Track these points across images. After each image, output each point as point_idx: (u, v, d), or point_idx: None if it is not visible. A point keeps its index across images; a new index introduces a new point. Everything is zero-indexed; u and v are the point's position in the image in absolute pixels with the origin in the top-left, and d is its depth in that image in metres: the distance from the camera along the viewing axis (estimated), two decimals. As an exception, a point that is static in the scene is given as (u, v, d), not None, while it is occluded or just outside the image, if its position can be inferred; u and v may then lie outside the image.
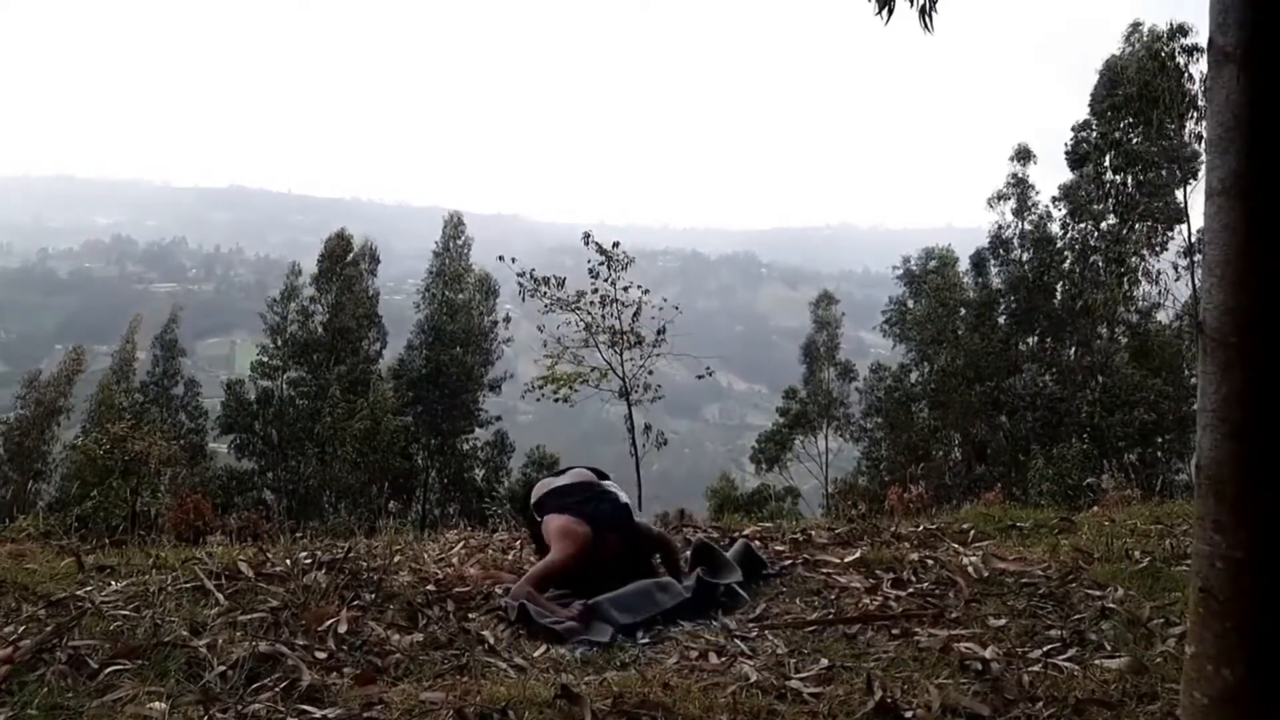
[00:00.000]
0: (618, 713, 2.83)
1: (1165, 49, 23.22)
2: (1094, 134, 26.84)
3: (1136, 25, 26.73)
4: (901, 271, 30.45)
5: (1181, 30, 22.62)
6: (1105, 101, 25.89)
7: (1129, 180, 26.21)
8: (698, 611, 3.99)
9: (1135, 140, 25.81)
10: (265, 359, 29.77)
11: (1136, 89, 24.45)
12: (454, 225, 32.59)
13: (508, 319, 31.57)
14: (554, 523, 4.52)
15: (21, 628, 3.38)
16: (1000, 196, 28.62)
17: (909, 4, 3.26)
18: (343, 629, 3.48)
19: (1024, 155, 28.44)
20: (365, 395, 28.06)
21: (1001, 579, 4.29)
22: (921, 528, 5.47)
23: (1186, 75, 22.75)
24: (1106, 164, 26.57)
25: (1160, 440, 25.10)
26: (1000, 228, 28.70)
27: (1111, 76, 25.87)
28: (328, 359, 29.45)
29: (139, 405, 28.98)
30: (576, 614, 3.89)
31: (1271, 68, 1.88)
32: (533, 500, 4.85)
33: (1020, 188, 28.45)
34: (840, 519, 6.55)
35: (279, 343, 29.75)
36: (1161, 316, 26.73)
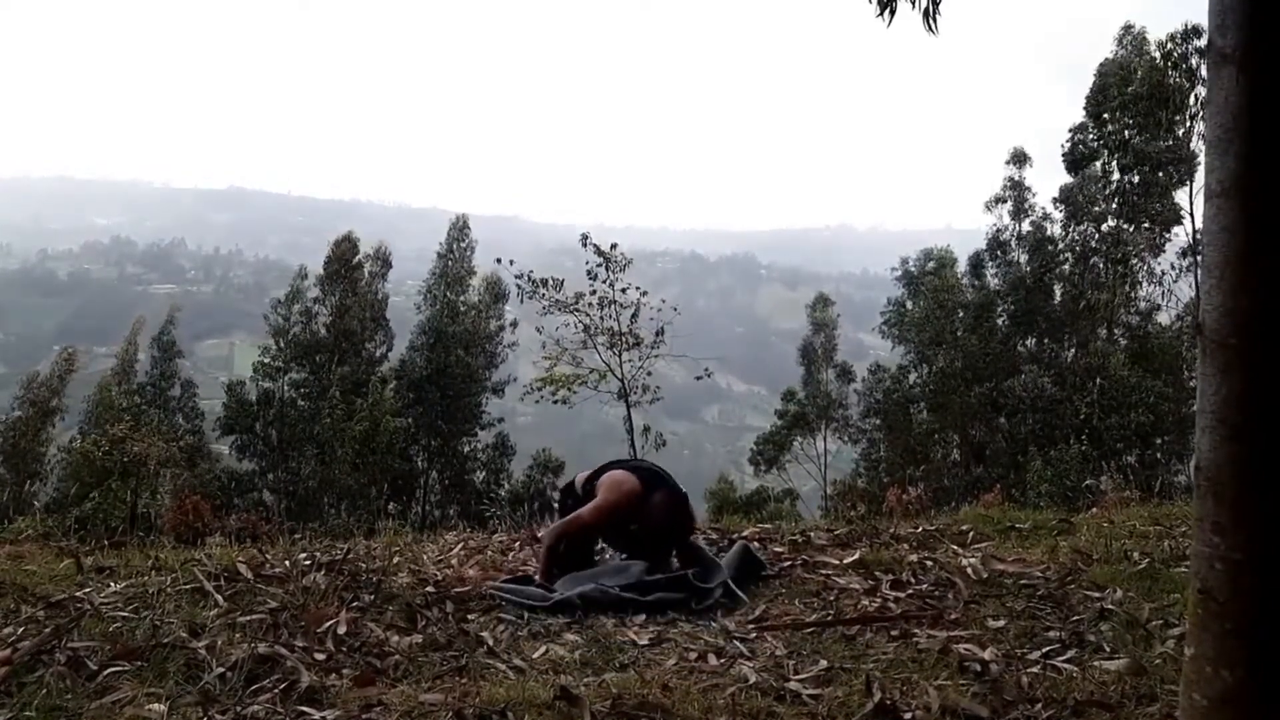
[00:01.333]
0: (617, 714, 2.82)
1: (1179, 50, 23.18)
2: (1091, 136, 26.81)
3: (1128, 28, 26.76)
4: (900, 273, 30.44)
5: (1196, 32, 22.53)
6: (1115, 100, 25.75)
7: (1134, 180, 26.14)
8: (663, 605, 4.05)
9: (1138, 140, 25.67)
10: (267, 360, 29.75)
11: (1147, 88, 24.40)
12: (459, 228, 32.55)
13: (515, 323, 31.50)
14: (608, 478, 4.62)
15: (21, 629, 3.38)
16: (997, 200, 28.64)
17: (911, 6, 3.27)
18: (342, 630, 3.48)
19: (1020, 158, 28.48)
20: (365, 397, 28.04)
21: (1000, 580, 4.29)
22: (920, 529, 5.48)
23: (1200, 78, 22.71)
24: (1114, 164, 26.49)
25: (1159, 441, 25.08)
26: (998, 230, 28.72)
27: (1124, 75, 25.74)
28: (330, 360, 29.44)
29: (137, 407, 28.96)
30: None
31: (1271, 69, 1.88)
32: (579, 487, 4.83)
33: (1017, 190, 28.48)
34: (839, 520, 6.55)
35: (281, 344, 29.74)
36: (1163, 318, 26.73)
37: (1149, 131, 25.31)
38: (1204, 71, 21.16)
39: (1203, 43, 22.08)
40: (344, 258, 30.75)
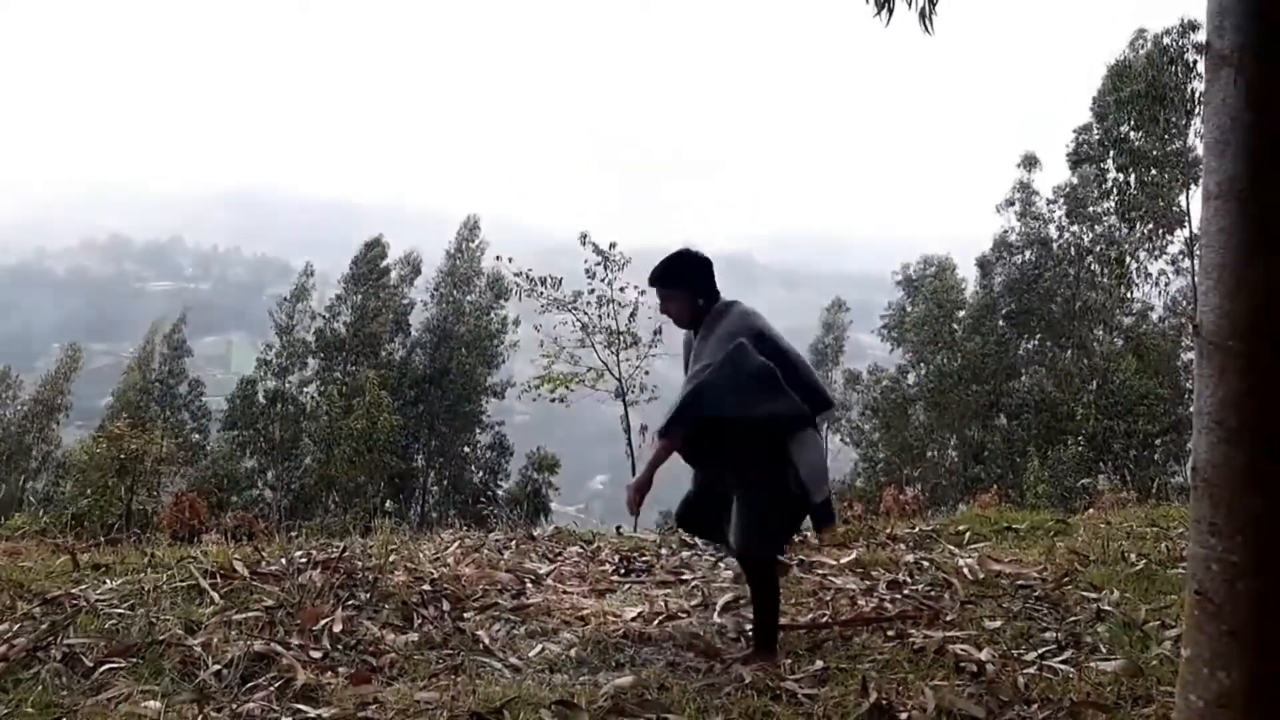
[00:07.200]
0: (615, 713, 2.82)
1: (1175, 45, 23.02)
2: (1095, 136, 26.70)
3: (1141, 32, 26.59)
4: (900, 278, 30.47)
5: (1193, 26, 22.30)
6: (1111, 95, 25.59)
7: (1132, 180, 26.02)
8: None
9: (1139, 139, 25.50)
10: (271, 358, 29.73)
11: (1144, 85, 24.25)
12: (470, 228, 32.45)
13: (516, 320, 31.41)
14: None
15: (16, 626, 3.37)
16: (1008, 202, 28.58)
17: (908, 6, 3.26)
18: (337, 628, 3.48)
19: (1030, 162, 28.42)
20: (364, 395, 28.02)
21: (997, 581, 4.30)
22: (917, 529, 5.48)
23: (1195, 73, 22.43)
24: (1109, 162, 26.36)
25: (1157, 442, 25.07)
26: (1005, 232, 28.67)
27: (1120, 70, 25.56)
28: (345, 361, 29.48)
29: (149, 404, 29.17)
30: None
31: (1269, 71, 1.87)
32: None
33: (1025, 193, 28.44)
34: (836, 521, 6.55)
35: (284, 341, 29.75)
36: (1157, 319, 26.72)
37: (1145, 129, 25.17)
38: (1201, 68, 21.02)
39: (1199, 37, 21.94)
40: (373, 261, 30.74)
